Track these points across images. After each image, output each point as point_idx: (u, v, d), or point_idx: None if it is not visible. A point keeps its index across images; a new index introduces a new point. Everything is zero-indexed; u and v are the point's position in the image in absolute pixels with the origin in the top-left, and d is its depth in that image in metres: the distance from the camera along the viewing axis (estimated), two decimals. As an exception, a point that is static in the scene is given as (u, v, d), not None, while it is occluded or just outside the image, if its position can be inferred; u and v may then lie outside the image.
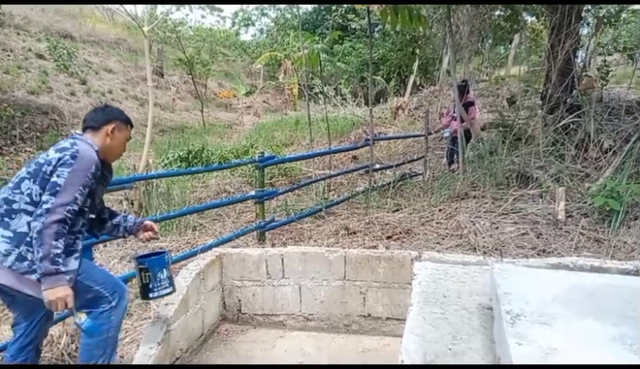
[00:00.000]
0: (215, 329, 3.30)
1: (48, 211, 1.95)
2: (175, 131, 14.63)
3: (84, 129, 2.28)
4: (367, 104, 14.17)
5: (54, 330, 2.76)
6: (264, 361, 2.97)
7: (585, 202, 4.16)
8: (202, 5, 19.02)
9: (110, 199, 4.91)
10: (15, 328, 2.28)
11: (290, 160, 7.12)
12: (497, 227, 3.90)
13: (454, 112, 6.62)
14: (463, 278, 2.06)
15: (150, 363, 2.37)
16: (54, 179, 2.04)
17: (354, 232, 4.06)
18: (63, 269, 1.98)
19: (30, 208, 2.04)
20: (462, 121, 6.15)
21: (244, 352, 3.08)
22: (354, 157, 9.04)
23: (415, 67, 14.56)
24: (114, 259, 3.56)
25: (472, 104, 6.96)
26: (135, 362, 2.38)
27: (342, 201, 5.23)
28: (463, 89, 6.84)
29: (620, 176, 4.39)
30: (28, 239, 2.01)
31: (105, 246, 3.79)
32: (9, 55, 13.53)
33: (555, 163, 5.03)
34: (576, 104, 5.90)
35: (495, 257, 2.80)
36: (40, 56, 14.33)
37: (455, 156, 6.92)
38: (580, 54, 8.19)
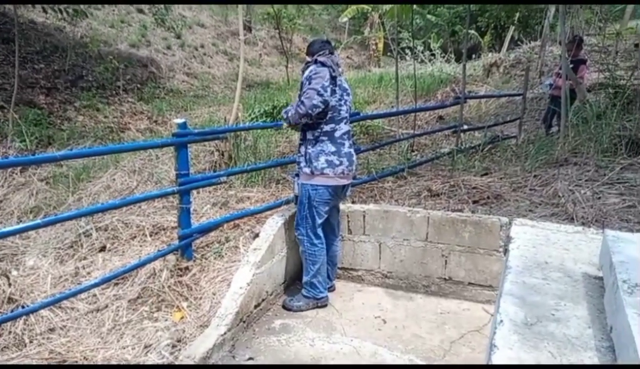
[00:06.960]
0: (297, 278, 3.46)
1: None
2: (260, 86, 14.95)
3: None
4: (457, 60, 13.34)
5: (156, 264, 3.06)
6: (343, 311, 3.08)
7: None
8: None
9: (204, 150, 5.21)
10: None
11: (374, 117, 7.01)
12: (599, 198, 3.56)
13: (560, 68, 6.04)
14: (566, 245, 1.93)
15: (239, 301, 2.56)
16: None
17: (438, 194, 3.94)
18: None
19: None
20: (568, 79, 5.57)
21: (324, 301, 3.20)
22: (440, 117, 8.65)
23: (515, 19, 13.30)
24: (207, 204, 3.81)
25: (583, 61, 6.27)
26: (226, 299, 2.58)
27: (426, 162, 5.07)
28: (576, 43, 6.23)
29: None
30: None
31: (198, 192, 4.06)
32: (113, 10, 14.54)
33: (676, 130, 4.43)
34: None
35: (596, 229, 2.58)
36: (140, 11, 15.20)
37: (555, 119, 6.36)
38: None
